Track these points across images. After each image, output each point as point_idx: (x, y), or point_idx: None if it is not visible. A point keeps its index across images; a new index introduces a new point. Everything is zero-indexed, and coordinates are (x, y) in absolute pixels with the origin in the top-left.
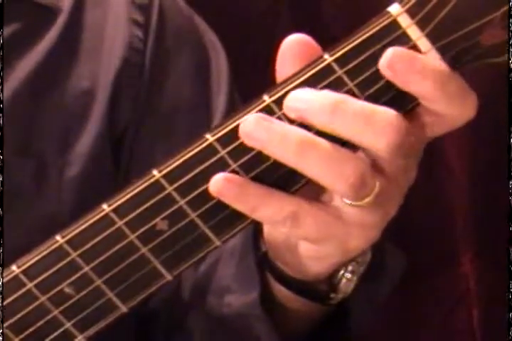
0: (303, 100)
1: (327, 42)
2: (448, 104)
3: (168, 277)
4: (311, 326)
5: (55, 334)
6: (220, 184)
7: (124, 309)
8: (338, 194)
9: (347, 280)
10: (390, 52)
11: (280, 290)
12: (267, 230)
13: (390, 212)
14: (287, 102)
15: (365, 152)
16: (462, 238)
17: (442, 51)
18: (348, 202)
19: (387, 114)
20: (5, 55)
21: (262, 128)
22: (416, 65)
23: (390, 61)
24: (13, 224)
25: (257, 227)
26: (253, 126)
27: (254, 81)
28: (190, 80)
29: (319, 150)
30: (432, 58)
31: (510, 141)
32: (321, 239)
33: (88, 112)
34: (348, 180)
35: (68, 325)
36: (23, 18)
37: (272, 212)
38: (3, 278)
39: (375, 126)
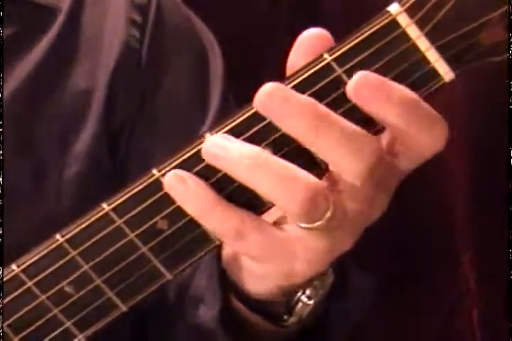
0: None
1: None
2: (416, 131)
3: (168, 276)
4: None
5: (55, 333)
6: (170, 179)
7: (123, 308)
8: (289, 214)
9: (303, 303)
10: (357, 76)
11: (239, 305)
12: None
13: (343, 242)
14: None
15: (330, 173)
16: (462, 238)
17: (441, 50)
18: (299, 223)
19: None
20: (5, 55)
21: (219, 148)
22: (382, 91)
23: (356, 87)
24: (12, 224)
25: None
26: (210, 146)
27: (253, 81)
28: (189, 80)
29: (270, 169)
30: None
31: (510, 140)
32: (263, 257)
33: (86, 112)
34: (298, 202)
35: (68, 324)
36: (22, 18)
37: (217, 219)
38: (3, 277)
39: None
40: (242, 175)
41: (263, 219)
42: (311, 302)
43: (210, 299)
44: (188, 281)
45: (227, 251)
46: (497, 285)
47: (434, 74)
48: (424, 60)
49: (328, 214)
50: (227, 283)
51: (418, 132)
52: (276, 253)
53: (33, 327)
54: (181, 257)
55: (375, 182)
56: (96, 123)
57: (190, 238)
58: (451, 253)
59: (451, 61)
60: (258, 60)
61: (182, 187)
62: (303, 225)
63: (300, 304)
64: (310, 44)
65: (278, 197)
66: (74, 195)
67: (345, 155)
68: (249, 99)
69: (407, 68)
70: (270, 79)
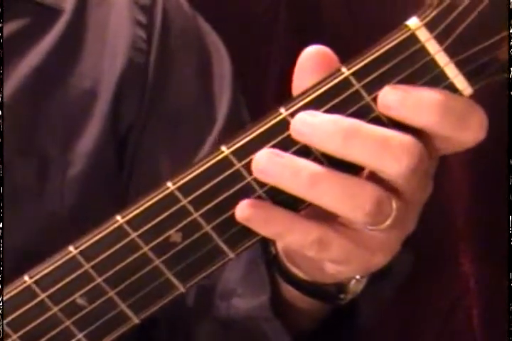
0: (311, 125)
1: (327, 42)
2: (451, 131)
3: (181, 289)
4: (318, 324)
5: None
6: (246, 210)
7: (136, 320)
8: (357, 222)
9: (356, 281)
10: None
11: (289, 291)
12: None
13: (410, 227)
14: (294, 124)
15: (381, 175)
16: (462, 238)
17: (461, 66)
18: (366, 227)
19: (402, 139)
20: (7, 53)
21: (273, 164)
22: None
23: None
24: (15, 222)
25: None
26: (265, 162)
27: (253, 81)
28: (193, 82)
29: (331, 183)
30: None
31: (510, 140)
32: (346, 261)
33: (90, 112)
34: (364, 210)
35: (80, 335)
36: (25, 17)
37: (298, 237)
38: (3, 274)
39: (390, 152)
40: (303, 193)
41: (340, 225)
42: (364, 279)
43: (248, 289)
44: (214, 282)
45: (291, 249)
46: (497, 285)
47: (453, 89)
48: (442, 75)
49: (394, 213)
50: (274, 270)
51: (454, 131)
52: (357, 255)
53: (44, 339)
54: (194, 270)
55: (419, 177)
56: (101, 123)
57: (203, 251)
58: (451, 253)
59: (470, 76)
60: (257, 60)
61: (260, 215)
62: (371, 228)
63: (353, 281)
64: (315, 62)
65: (342, 208)
66: (77, 194)
67: (379, 161)
68: (246, 98)
69: (425, 83)
70: (270, 79)
